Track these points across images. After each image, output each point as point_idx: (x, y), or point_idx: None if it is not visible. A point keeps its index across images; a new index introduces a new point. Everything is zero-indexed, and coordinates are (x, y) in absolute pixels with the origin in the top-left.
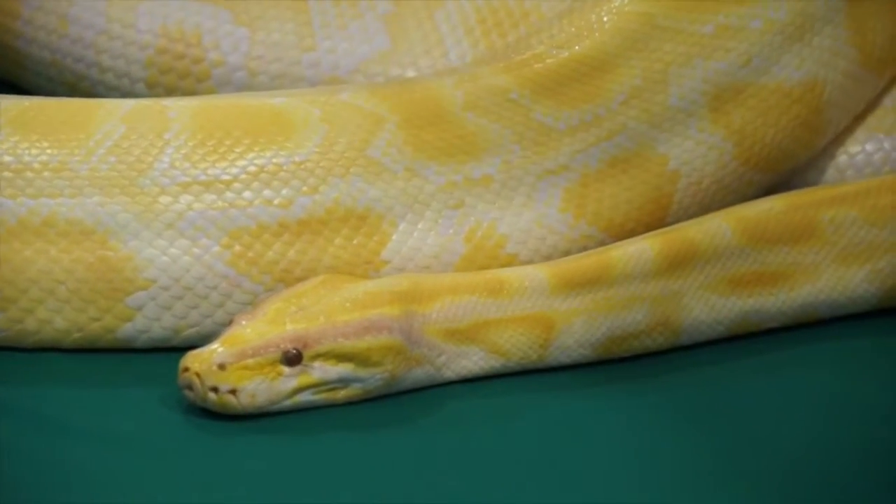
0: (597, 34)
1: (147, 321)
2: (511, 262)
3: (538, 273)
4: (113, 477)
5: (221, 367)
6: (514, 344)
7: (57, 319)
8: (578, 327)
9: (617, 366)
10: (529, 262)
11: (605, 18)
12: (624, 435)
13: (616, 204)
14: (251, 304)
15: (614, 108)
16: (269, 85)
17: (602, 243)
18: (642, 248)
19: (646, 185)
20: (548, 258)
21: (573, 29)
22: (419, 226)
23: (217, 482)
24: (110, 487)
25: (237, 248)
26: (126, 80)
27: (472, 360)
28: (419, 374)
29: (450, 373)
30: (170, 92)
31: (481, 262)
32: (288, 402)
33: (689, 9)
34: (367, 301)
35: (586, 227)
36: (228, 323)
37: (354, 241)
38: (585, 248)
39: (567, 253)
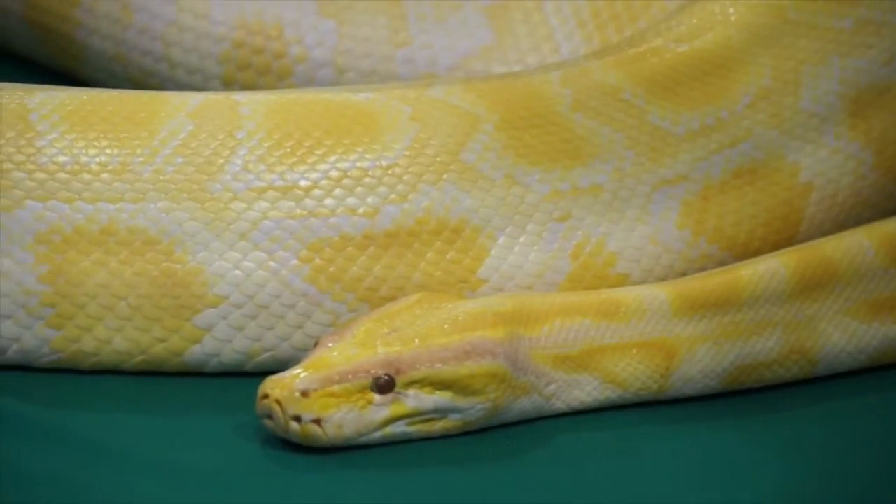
0: (721, 28)
1: (217, 343)
2: (621, 282)
3: (658, 294)
4: None
5: (305, 393)
6: (631, 373)
7: (117, 339)
8: (703, 355)
9: (746, 398)
10: (642, 283)
11: (730, 10)
12: (752, 473)
13: (740, 219)
14: (332, 325)
15: (739, 111)
16: (358, 83)
17: (722, 264)
18: (775, 268)
19: (774, 198)
20: (662, 280)
21: (695, 21)
22: (520, 240)
23: None
24: None
25: (317, 261)
26: (199, 77)
27: (585, 390)
28: (525, 404)
29: (560, 403)
30: (247, 90)
31: (589, 283)
32: (378, 434)
33: (825, 1)
34: (467, 323)
35: (706, 245)
36: (313, 346)
37: (448, 257)
38: (704, 269)
39: (684, 274)
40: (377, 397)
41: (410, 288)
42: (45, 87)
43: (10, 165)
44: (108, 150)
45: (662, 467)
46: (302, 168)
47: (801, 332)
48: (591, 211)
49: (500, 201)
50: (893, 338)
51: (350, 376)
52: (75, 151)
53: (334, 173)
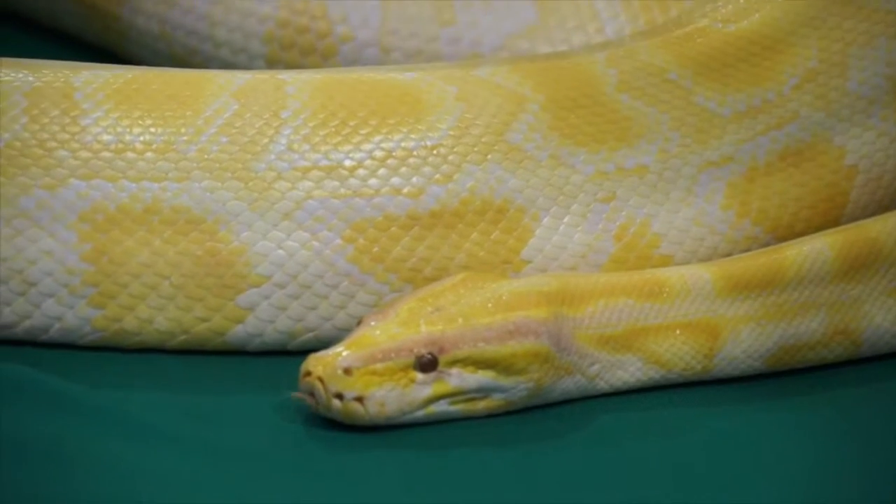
0: (768, 9)
1: (260, 323)
2: (665, 264)
3: (702, 274)
4: (223, 494)
5: (347, 371)
6: (675, 353)
7: (160, 319)
8: (747, 336)
9: (789, 378)
10: (685, 265)
11: None
12: (796, 455)
13: (785, 202)
14: (375, 306)
15: (786, 92)
16: (404, 64)
17: (766, 246)
18: (820, 249)
19: (819, 181)
20: (705, 262)
21: (742, 2)
22: (565, 220)
23: (339, 502)
24: None
25: (361, 241)
26: (243, 57)
27: (629, 371)
28: (568, 384)
29: (603, 384)
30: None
31: (632, 265)
32: (421, 413)
33: None
34: (511, 302)
35: (750, 227)
36: (356, 324)
37: (492, 237)
38: (748, 252)
39: (727, 256)
40: (420, 376)
41: (454, 269)
42: (91, 65)
43: (54, 144)
44: (152, 129)
45: (706, 448)
46: (346, 148)
47: (845, 313)
48: (636, 192)
49: (545, 182)
50: None
51: (393, 354)
52: (120, 130)
53: (379, 153)
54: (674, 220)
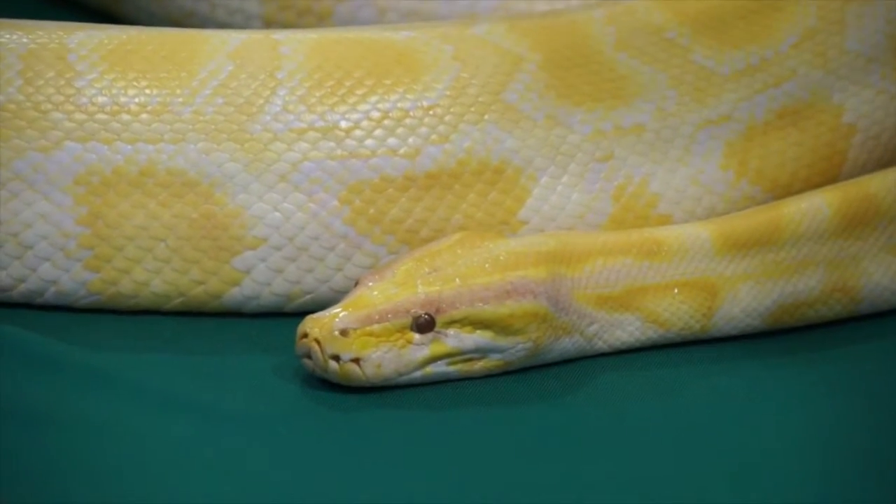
0: None
1: (256, 286)
2: (663, 223)
3: (700, 232)
4: (220, 456)
5: (344, 332)
6: (673, 312)
7: (156, 282)
8: (745, 294)
9: (788, 336)
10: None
11: None
12: (796, 413)
13: (783, 161)
14: (372, 267)
15: (784, 50)
16: (399, 23)
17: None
18: (818, 205)
19: (817, 139)
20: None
21: None
22: (562, 181)
23: (337, 463)
24: (217, 467)
25: (357, 203)
26: (239, 17)
27: (627, 330)
28: (567, 344)
29: (601, 343)
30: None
31: (630, 224)
32: (418, 374)
33: None
34: (509, 262)
35: (748, 186)
36: (353, 285)
37: (489, 198)
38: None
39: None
40: (417, 336)
41: (451, 230)
42: (85, 25)
43: (49, 106)
44: (147, 91)
45: (705, 407)
46: (342, 108)
47: (843, 270)
48: (634, 151)
49: (542, 142)
50: None
51: (390, 315)
52: (114, 92)
53: (375, 114)
54: (672, 179)
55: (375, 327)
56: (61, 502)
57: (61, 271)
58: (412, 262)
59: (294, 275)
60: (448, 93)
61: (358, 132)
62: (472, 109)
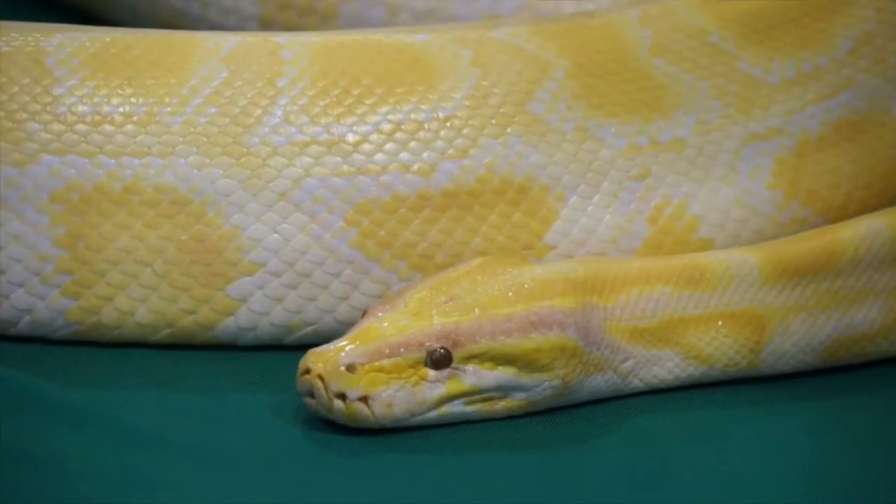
0: None
1: (253, 316)
2: (704, 249)
3: (747, 258)
4: None
5: (351, 368)
6: (717, 347)
7: (141, 311)
8: (798, 327)
9: (845, 375)
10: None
11: None
12: (854, 462)
13: (838, 180)
14: (382, 296)
15: (840, 57)
16: (413, 25)
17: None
18: (878, 229)
19: (876, 156)
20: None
21: None
22: (593, 200)
23: None
24: None
25: (366, 224)
26: (234, 18)
27: (666, 367)
28: (598, 382)
29: (637, 381)
30: (290, 30)
31: (668, 250)
32: (433, 415)
33: None
34: (534, 290)
35: (799, 208)
36: (361, 316)
37: (512, 220)
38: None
39: (774, 240)
40: (432, 373)
41: (469, 255)
42: (64, 26)
43: (24, 115)
44: (132, 99)
45: (752, 455)
46: (350, 120)
47: None
48: (673, 169)
49: (571, 157)
50: None
51: (402, 349)
52: (97, 100)
53: (386, 126)
54: (714, 200)
55: (386, 362)
56: None
57: (36, 298)
58: (427, 290)
59: (295, 304)
60: (467, 102)
61: (367, 146)
62: (494, 121)
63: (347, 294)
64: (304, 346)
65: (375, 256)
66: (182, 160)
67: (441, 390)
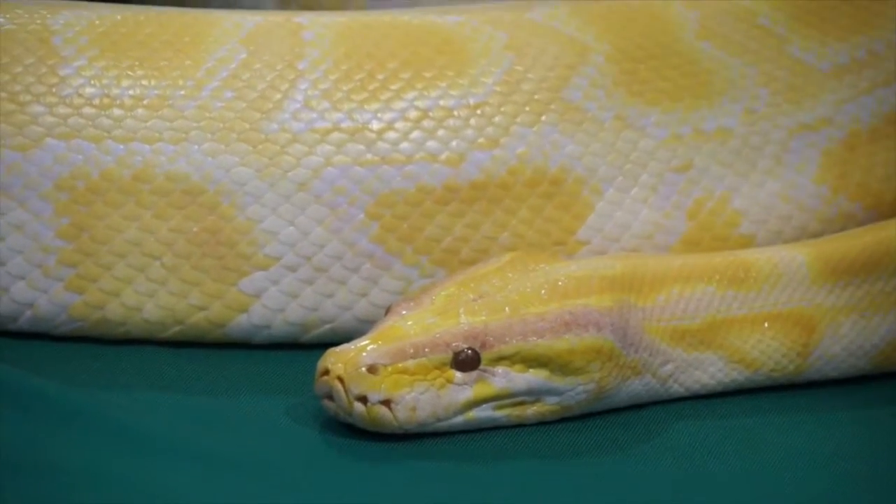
0: None
1: (267, 312)
2: (744, 247)
3: (796, 256)
4: None
5: (372, 369)
6: (763, 350)
7: (149, 307)
8: (849, 329)
9: None
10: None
11: None
12: None
13: (890, 173)
14: (402, 293)
15: None
16: (443, 5)
17: (863, 226)
18: None
19: None
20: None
21: None
22: (631, 194)
23: None
24: None
25: (388, 218)
26: None
27: (708, 371)
28: (636, 386)
29: (677, 386)
30: (309, 9)
31: (706, 247)
32: (459, 419)
33: None
34: (569, 288)
35: (847, 202)
36: (384, 314)
37: (544, 214)
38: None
39: (818, 237)
40: (458, 375)
41: (496, 251)
42: (72, 3)
43: (28, 97)
44: (144, 81)
45: (799, 464)
46: (374, 106)
47: None
48: (716, 160)
49: (609, 147)
50: None
51: (427, 350)
52: (105, 82)
53: (412, 112)
54: (758, 194)
55: (410, 363)
56: None
57: (39, 292)
58: (455, 286)
59: (311, 300)
60: (499, 88)
61: (391, 134)
62: (527, 108)
63: (367, 290)
64: (321, 346)
65: (397, 251)
66: (196, 147)
67: (468, 394)
